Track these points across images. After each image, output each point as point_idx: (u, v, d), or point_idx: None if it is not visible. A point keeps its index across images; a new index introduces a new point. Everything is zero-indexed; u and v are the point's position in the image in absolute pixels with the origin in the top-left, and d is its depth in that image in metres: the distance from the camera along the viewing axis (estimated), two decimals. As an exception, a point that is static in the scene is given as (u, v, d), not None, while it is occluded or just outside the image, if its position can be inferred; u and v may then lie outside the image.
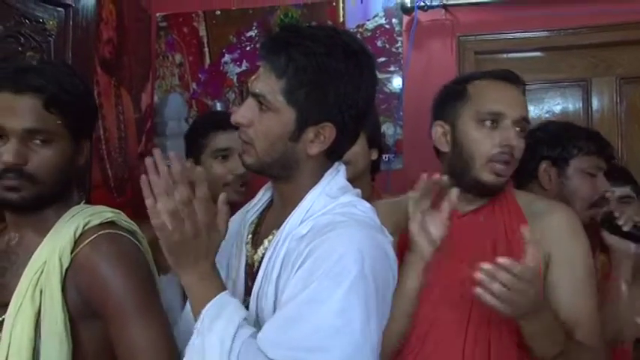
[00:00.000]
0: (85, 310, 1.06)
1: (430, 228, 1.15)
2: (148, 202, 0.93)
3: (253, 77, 1.02)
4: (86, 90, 1.18)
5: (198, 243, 0.94)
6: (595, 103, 2.40)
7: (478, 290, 1.04)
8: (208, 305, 0.93)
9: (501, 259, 1.03)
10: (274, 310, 0.97)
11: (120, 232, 1.10)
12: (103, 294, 1.04)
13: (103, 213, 1.12)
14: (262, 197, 1.16)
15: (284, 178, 1.05)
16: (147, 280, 1.09)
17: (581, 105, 2.43)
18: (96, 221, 1.09)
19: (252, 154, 1.03)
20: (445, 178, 1.17)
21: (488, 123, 1.25)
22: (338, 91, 0.99)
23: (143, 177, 0.94)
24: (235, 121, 1.03)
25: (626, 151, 2.35)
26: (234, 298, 0.97)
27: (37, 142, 1.07)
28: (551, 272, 1.23)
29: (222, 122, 1.72)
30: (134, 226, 1.15)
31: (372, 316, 0.93)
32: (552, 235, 1.24)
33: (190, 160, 1.64)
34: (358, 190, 1.09)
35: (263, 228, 1.12)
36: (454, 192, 1.15)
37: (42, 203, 1.11)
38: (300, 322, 0.89)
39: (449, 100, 1.32)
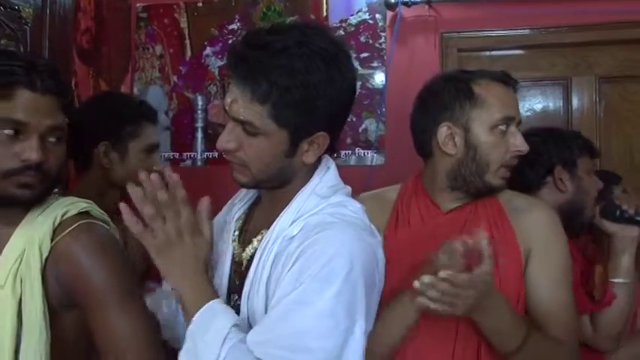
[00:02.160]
0: (63, 300, 1.07)
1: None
2: (127, 213, 0.96)
3: (229, 99, 0.98)
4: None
5: (183, 245, 0.96)
6: (575, 102, 2.42)
7: (420, 299, 1.04)
8: (199, 313, 0.94)
9: (442, 273, 1.02)
10: (265, 312, 0.97)
11: (98, 222, 1.12)
12: (84, 283, 1.05)
13: (78, 203, 1.12)
14: (247, 194, 1.15)
15: (280, 187, 1.05)
16: (126, 269, 1.10)
17: (561, 104, 2.45)
18: (73, 211, 1.10)
19: (246, 174, 1.02)
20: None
21: (502, 128, 1.27)
22: (325, 101, 0.97)
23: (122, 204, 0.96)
24: (222, 148, 1.00)
25: (604, 150, 2.35)
26: (224, 304, 0.97)
27: (53, 139, 1.08)
28: (529, 265, 1.25)
29: (153, 115, 1.69)
30: (106, 216, 1.16)
31: (359, 319, 0.93)
32: (533, 230, 1.26)
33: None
34: (349, 188, 1.08)
35: (251, 225, 1.11)
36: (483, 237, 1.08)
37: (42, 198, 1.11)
38: (287, 322, 0.90)
39: (455, 100, 1.29)
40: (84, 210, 1.12)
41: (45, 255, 1.06)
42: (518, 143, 1.27)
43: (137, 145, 1.61)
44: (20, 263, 1.05)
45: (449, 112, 1.28)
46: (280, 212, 1.03)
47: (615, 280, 1.57)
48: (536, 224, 1.26)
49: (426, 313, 1.18)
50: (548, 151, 1.62)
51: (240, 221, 1.12)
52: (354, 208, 1.04)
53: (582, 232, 1.63)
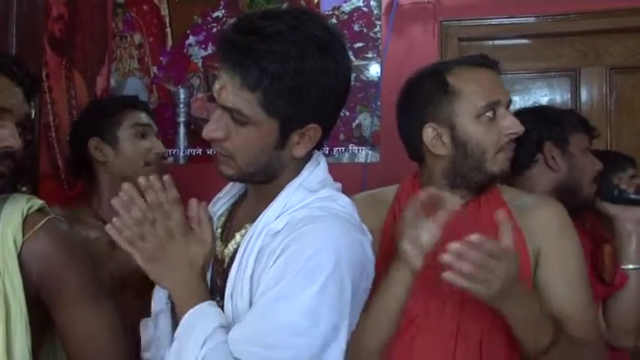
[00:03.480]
0: (33, 296, 1.08)
1: (420, 236, 1.11)
2: (113, 221, 0.98)
3: (218, 86, 0.96)
4: None
5: (175, 247, 0.97)
6: (584, 94, 2.36)
7: (447, 274, 1.01)
8: (187, 314, 0.95)
9: (472, 237, 1.00)
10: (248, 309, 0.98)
11: (61, 219, 1.15)
12: (56, 280, 1.08)
13: (35, 199, 1.14)
14: (231, 189, 1.14)
15: (267, 181, 1.03)
16: (94, 267, 1.14)
17: (569, 96, 2.39)
18: (35, 207, 1.12)
19: (232, 165, 1.00)
20: (440, 192, 1.14)
21: (489, 115, 1.23)
22: (318, 91, 0.95)
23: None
24: (209, 137, 0.99)
25: (615, 144, 2.30)
26: (215, 307, 0.98)
27: (20, 129, 1.11)
28: (541, 267, 1.23)
29: (139, 102, 1.75)
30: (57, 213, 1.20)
31: (344, 317, 0.92)
32: (541, 229, 1.24)
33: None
34: (339, 184, 1.07)
35: (234, 222, 1.09)
36: (455, 200, 1.12)
37: None
38: (267, 318, 0.90)
39: (433, 97, 1.25)
40: (43, 206, 1.14)
41: (18, 251, 1.07)
42: (510, 125, 1.23)
43: (126, 132, 1.65)
44: None
45: (430, 112, 1.25)
46: (266, 206, 1.01)
47: (625, 267, 1.52)
48: (544, 223, 1.24)
49: (427, 310, 1.20)
50: (537, 127, 1.58)
51: (223, 218, 1.11)
52: (344, 202, 1.02)
53: (581, 213, 1.58)
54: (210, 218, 1.04)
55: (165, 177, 0.99)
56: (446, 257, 1.00)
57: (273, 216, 0.99)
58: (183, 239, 0.98)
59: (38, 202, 1.13)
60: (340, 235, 0.93)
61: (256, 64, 0.91)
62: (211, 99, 1.00)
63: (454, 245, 1.00)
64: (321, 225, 0.93)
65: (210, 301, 0.98)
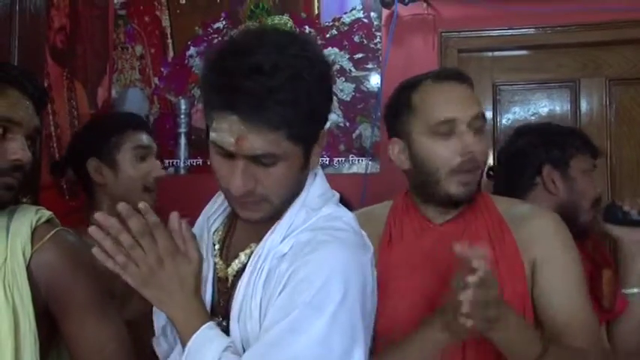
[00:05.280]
0: (40, 307, 1.08)
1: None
2: (106, 243, 0.94)
3: (234, 139, 0.90)
4: None
5: (166, 273, 0.95)
6: (583, 106, 2.35)
7: (465, 320, 0.98)
8: (191, 341, 0.94)
9: (471, 278, 0.96)
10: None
11: (69, 231, 1.15)
12: (64, 292, 1.09)
13: (43, 211, 1.14)
14: (223, 202, 1.09)
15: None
16: (100, 278, 1.13)
17: (569, 107, 2.39)
18: (44, 218, 1.12)
19: (264, 207, 0.97)
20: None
21: (443, 131, 1.19)
22: (323, 101, 0.97)
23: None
24: (241, 192, 0.93)
25: (615, 155, 2.30)
26: (216, 329, 0.96)
27: (29, 142, 1.11)
28: (538, 277, 1.19)
29: (140, 123, 1.71)
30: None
31: (357, 342, 0.92)
32: (537, 239, 1.21)
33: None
34: (337, 195, 1.06)
35: (235, 238, 1.07)
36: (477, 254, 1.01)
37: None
38: (281, 349, 0.89)
39: (398, 112, 1.26)
40: (51, 217, 1.14)
41: (27, 263, 1.07)
42: (468, 144, 1.18)
43: (125, 155, 1.62)
44: (5, 272, 1.07)
45: (395, 126, 1.26)
46: (271, 225, 0.99)
47: (628, 291, 1.49)
48: (539, 233, 1.21)
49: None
50: (536, 149, 1.55)
51: (220, 233, 1.08)
52: (347, 218, 1.01)
53: (580, 238, 1.50)
54: (194, 235, 1.00)
55: (141, 204, 0.95)
56: (464, 297, 0.97)
57: (279, 238, 0.97)
58: (172, 262, 0.95)
59: (47, 214, 1.13)
60: (346, 262, 0.92)
61: (276, 103, 0.88)
62: (221, 153, 0.93)
63: (472, 278, 0.96)
64: (327, 253, 0.92)
65: (209, 324, 0.96)
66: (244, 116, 0.88)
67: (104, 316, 1.10)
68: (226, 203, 1.08)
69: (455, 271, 1.02)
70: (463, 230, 1.23)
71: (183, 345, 0.95)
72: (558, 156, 1.54)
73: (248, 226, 1.03)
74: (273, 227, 0.98)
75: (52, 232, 1.10)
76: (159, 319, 1.06)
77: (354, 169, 2.36)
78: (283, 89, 0.88)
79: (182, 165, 2.45)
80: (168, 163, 2.47)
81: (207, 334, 0.94)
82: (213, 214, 1.10)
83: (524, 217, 1.23)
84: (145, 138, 1.66)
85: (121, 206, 0.94)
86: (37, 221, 1.10)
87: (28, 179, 1.11)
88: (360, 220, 1.12)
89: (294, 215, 0.99)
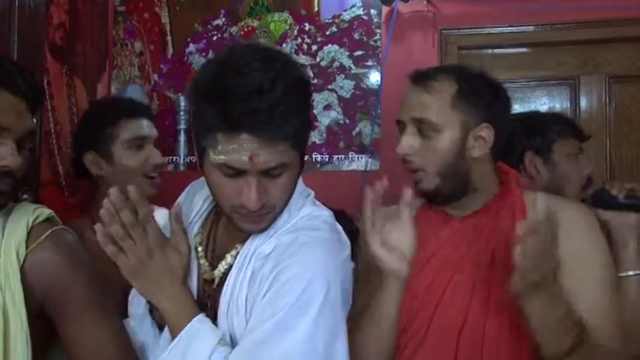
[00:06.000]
0: (36, 309, 1.06)
1: (394, 242, 1.08)
2: (100, 231, 0.99)
3: (247, 157, 0.92)
4: None
5: (156, 264, 0.99)
6: (583, 103, 2.36)
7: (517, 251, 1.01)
8: (182, 332, 0.98)
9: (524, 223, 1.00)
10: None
11: (68, 229, 1.12)
12: (61, 293, 1.06)
13: (42, 209, 1.11)
14: (202, 205, 1.14)
15: None
16: (100, 280, 1.11)
17: (568, 104, 2.39)
18: (42, 217, 1.09)
19: (270, 218, 1.02)
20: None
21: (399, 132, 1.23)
22: (310, 110, 1.03)
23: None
24: (258, 207, 0.97)
25: (614, 153, 2.30)
26: (206, 321, 1.00)
27: (26, 145, 1.09)
28: (562, 274, 1.14)
29: (134, 110, 1.64)
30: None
31: (338, 335, 0.97)
32: (561, 233, 1.14)
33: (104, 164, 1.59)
34: (311, 193, 1.11)
35: (218, 241, 1.11)
36: (408, 193, 1.08)
37: None
38: (270, 347, 0.93)
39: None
40: (50, 216, 1.11)
41: (21, 263, 1.05)
42: (400, 146, 1.21)
43: (120, 146, 1.59)
44: None
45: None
46: None
47: (623, 274, 1.44)
48: (566, 228, 1.15)
49: (429, 329, 1.18)
50: (518, 139, 1.56)
51: (200, 236, 1.12)
52: (324, 217, 1.07)
53: None
54: (184, 229, 1.04)
55: (132, 191, 0.98)
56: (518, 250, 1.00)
57: (264, 239, 1.02)
58: (162, 255, 1.00)
59: (45, 213, 1.11)
60: (327, 262, 0.98)
61: (281, 116, 0.91)
62: (229, 173, 0.94)
63: (522, 229, 0.99)
64: (309, 255, 0.97)
65: (200, 316, 1.00)
66: (256, 133, 0.90)
67: (102, 318, 1.07)
68: (205, 206, 1.13)
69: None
70: (483, 225, 1.21)
71: (174, 335, 0.99)
72: (540, 142, 1.56)
73: (232, 228, 1.04)
74: None
75: (49, 231, 1.07)
76: (137, 306, 1.09)
77: (354, 166, 2.35)
78: (284, 102, 0.91)
79: (181, 162, 2.44)
80: (168, 159, 2.44)
81: (199, 326, 0.98)
82: (194, 217, 1.12)
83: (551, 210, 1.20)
84: (140, 125, 1.61)
85: (112, 192, 0.97)
86: (34, 220, 1.08)
87: (21, 182, 1.08)
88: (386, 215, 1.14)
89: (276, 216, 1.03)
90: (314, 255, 0.97)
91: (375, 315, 1.12)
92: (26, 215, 1.07)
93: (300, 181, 1.07)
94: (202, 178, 1.04)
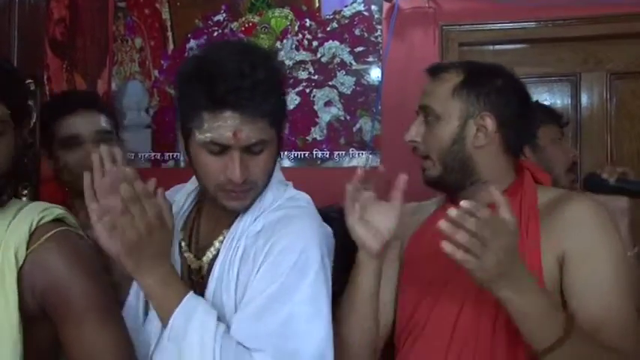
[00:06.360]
0: (37, 311, 1.03)
1: (377, 221, 1.10)
2: (92, 205, 1.00)
3: (231, 132, 1.00)
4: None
5: (153, 240, 0.98)
6: (584, 100, 2.35)
7: (445, 244, 0.95)
8: (176, 311, 0.98)
9: (464, 202, 0.94)
10: (235, 307, 1.03)
11: (75, 231, 1.08)
12: (62, 296, 1.02)
13: (53, 209, 1.07)
14: (185, 203, 1.17)
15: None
16: (104, 280, 1.08)
17: (569, 101, 2.38)
18: (49, 217, 1.05)
19: (252, 196, 1.08)
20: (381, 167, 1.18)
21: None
22: (285, 95, 1.11)
23: (86, 180, 1.02)
24: (240, 182, 1.04)
25: (615, 149, 2.29)
26: (196, 298, 1.01)
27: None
28: (568, 271, 1.10)
29: (71, 104, 1.51)
30: (77, 224, 1.12)
31: (328, 299, 1.04)
32: (567, 231, 1.12)
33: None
34: (290, 184, 1.17)
35: (202, 233, 1.14)
36: (402, 180, 1.11)
37: None
38: (274, 310, 0.98)
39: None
40: (60, 217, 1.07)
41: (20, 264, 1.01)
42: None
43: (58, 145, 1.49)
44: None
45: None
46: (235, 214, 1.09)
47: None
48: (570, 220, 1.12)
49: (426, 317, 1.18)
50: None
51: (183, 232, 1.15)
52: (306, 200, 1.14)
53: None
54: (170, 206, 1.04)
55: (127, 170, 0.98)
56: (442, 225, 0.95)
57: (251, 218, 1.08)
58: (159, 234, 0.99)
59: (55, 212, 1.07)
60: (318, 231, 1.06)
61: (261, 95, 1.00)
62: (214, 150, 1.01)
63: (452, 211, 0.94)
64: (301, 224, 1.06)
65: (190, 294, 1.00)
66: (240, 110, 0.98)
67: (104, 323, 1.02)
68: (187, 203, 1.17)
69: None
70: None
71: (163, 316, 0.99)
72: None
73: (214, 218, 1.12)
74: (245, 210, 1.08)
75: (52, 231, 1.03)
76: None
77: (355, 163, 2.35)
78: (264, 82, 1.00)
79: (182, 158, 2.44)
80: (168, 156, 2.48)
81: (196, 301, 1.00)
82: (176, 214, 1.13)
83: (554, 205, 1.16)
84: (73, 123, 1.48)
85: (110, 166, 1.01)
86: (40, 220, 1.04)
87: (26, 174, 1.09)
88: (408, 210, 1.18)
89: (262, 197, 1.09)
90: (305, 224, 1.06)
91: (350, 288, 1.14)
92: (32, 215, 1.04)
93: (280, 171, 1.14)
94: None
